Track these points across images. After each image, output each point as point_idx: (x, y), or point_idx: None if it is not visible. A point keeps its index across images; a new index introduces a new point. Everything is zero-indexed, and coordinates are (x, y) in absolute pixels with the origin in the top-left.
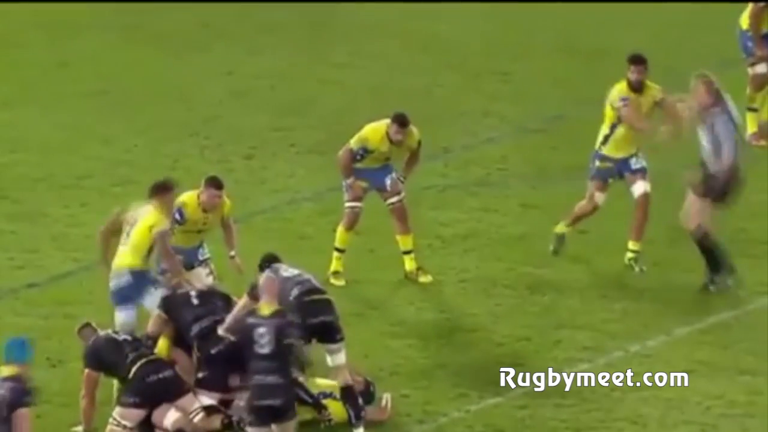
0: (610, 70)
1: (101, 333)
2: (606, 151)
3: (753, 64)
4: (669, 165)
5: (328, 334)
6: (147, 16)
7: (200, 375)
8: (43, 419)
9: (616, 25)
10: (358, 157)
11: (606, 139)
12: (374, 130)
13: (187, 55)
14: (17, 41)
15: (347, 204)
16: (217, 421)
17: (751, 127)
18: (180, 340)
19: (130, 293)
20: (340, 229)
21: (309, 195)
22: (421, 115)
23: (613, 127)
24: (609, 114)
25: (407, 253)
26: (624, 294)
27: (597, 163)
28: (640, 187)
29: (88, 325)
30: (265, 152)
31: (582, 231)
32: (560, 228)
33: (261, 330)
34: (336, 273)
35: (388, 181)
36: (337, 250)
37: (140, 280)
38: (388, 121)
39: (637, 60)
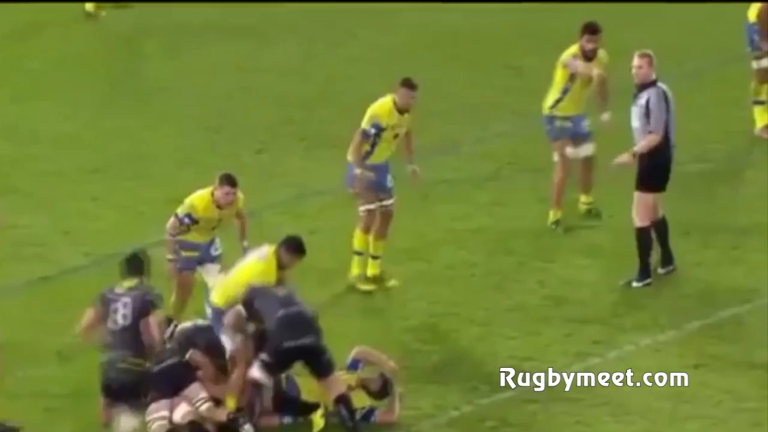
0: (622, 65)
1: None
2: (559, 112)
3: (758, 58)
4: (678, 159)
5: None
6: (160, 10)
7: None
8: (54, 413)
9: (627, 21)
10: (372, 137)
11: (557, 102)
12: (381, 105)
13: (198, 49)
14: (28, 36)
15: (362, 207)
16: (222, 414)
17: (759, 120)
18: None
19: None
20: (357, 233)
21: (320, 189)
22: (433, 109)
23: (564, 91)
24: (560, 77)
25: (376, 258)
26: (634, 288)
27: (556, 123)
28: (588, 149)
29: None
30: (276, 147)
31: (591, 226)
32: (553, 216)
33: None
34: (358, 276)
35: (388, 180)
36: (357, 253)
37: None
38: (390, 96)
39: (594, 30)
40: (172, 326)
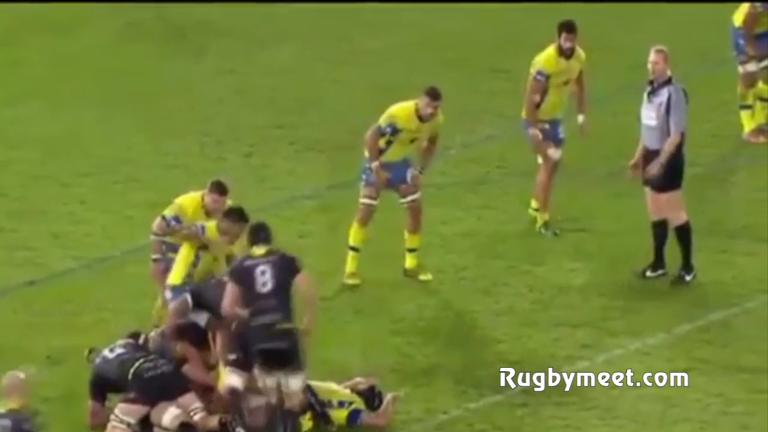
0: (610, 67)
1: (98, 358)
2: (539, 115)
3: (744, 63)
4: None
5: (285, 360)
6: (148, 14)
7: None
8: (44, 417)
9: (616, 23)
10: (387, 136)
11: (537, 107)
12: (402, 108)
13: (188, 52)
14: (18, 40)
15: (363, 200)
16: (214, 421)
17: (747, 125)
18: (194, 339)
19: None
20: (355, 226)
21: (309, 193)
22: None
23: (542, 96)
24: (532, 85)
25: (412, 251)
26: (624, 291)
27: (536, 127)
28: (557, 154)
29: (93, 350)
30: (265, 150)
31: (581, 229)
32: (540, 219)
33: None
34: (353, 274)
35: (408, 175)
36: (353, 249)
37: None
38: (414, 101)
39: (571, 28)
40: (143, 337)
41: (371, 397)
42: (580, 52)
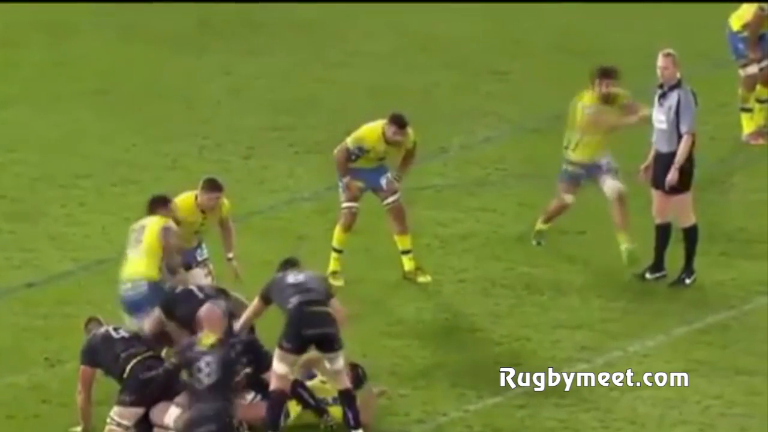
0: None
1: (101, 329)
2: (574, 156)
3: (745, 66)
4: None
5: (327, 344)
6: (145, 16)
7: None
8: (42, 419)
9: (614, 25)
10: (354, 157)
11: (576, 144)
12: (370, 130)
13: (185, 54)
14: (16, 41)
15: (344, 204)
16: None
17: (747, 127)
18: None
19: (143, 304)
20: (338, 230)
21: (308, 195)
22: (419, 115)
23: (582, 134)
24: (578, 119)
25: (406, 252)
26: (623, 294)
27: (566, 166)
28: (613, 186)
29: (94, 319)
30: (264, 152)
31: (580, 231)
32: (539, 226)
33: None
34: (334, 273)
35: (383, 181)
36: (335, 250)
37: (156, 293)
38: (383, 121)
39: (610, 74)
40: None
41: (355, 378)
42: (620, 96)
